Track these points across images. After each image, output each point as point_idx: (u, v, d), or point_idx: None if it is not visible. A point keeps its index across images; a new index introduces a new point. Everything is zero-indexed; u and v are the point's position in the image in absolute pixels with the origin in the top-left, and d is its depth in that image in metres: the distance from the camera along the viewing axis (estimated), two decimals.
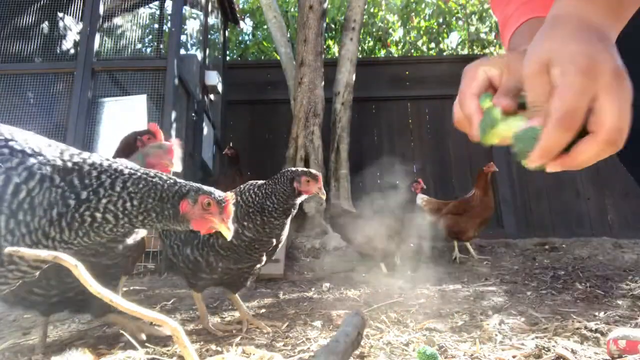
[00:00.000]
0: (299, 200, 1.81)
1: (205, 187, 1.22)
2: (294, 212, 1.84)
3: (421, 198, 4.33)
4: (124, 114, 4.02)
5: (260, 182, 1.86)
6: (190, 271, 1.83)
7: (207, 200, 1.18)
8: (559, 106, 0.58)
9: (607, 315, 1.80)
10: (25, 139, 1.08)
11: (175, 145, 1.81)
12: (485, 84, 0.73)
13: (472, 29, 9.58)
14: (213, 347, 1.55)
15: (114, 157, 1.86)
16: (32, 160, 1.03)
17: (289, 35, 6.27)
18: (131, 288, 2.82)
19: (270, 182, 1.80)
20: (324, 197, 1.82)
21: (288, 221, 1.84)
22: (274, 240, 1.86)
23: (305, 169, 1.83)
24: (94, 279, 0.89)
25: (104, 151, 3.61)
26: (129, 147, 2.04)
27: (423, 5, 9.55)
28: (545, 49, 0.62)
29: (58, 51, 4.57)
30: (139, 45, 5.94)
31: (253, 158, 5.79)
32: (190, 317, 2.14)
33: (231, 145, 5.96)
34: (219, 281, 1.90)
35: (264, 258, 1.91)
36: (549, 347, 1.34)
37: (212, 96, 5.64)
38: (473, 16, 9.57)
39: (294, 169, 1.84)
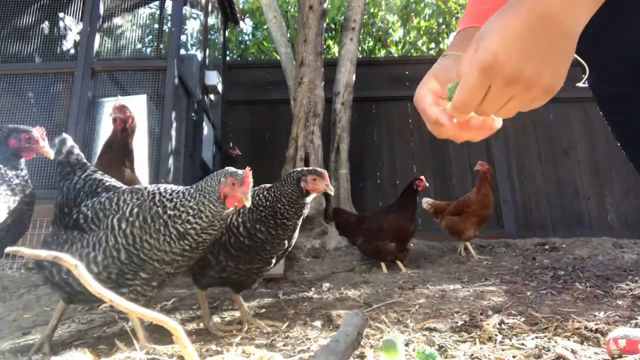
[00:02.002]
0: (308, 199, 1.82)
1: (231, 169, 1.50)
2: (306, 212, 1.85)
3: (426, 201, 4.35)
4: None
5: (267, 185, 1.88)
6: (199, 268, 1.83)
7: (232, 181, 1.47)
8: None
9: (607, 315, 1.80)
10: None
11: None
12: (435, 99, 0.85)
13: None
14: (213, 347, 1.55)
15: None
16: None
17: (289, 35, 6.27)
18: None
19: (278, 185, 1.82)
20: (332, 193, 1.86)
21: (299, 222, 1.85)
22: (286, 243, 1.87)
23: (310, 168, 1.85)
24: None
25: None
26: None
27: (423, 5, 9.54)
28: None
29: (58, 51, 4.57)
30: (139, 45, 5.94)
31: (253, 158, 5.79)
32: (190, 317, 2.14)
33: (232, 145, 5.97)
34: (226, 280, 1.90)
35: (274, 260, 1.92)
36: (549, 347, 1.34)
37: (212, 96, 5.64)
38: None
39: (299, 169, 1.86)
